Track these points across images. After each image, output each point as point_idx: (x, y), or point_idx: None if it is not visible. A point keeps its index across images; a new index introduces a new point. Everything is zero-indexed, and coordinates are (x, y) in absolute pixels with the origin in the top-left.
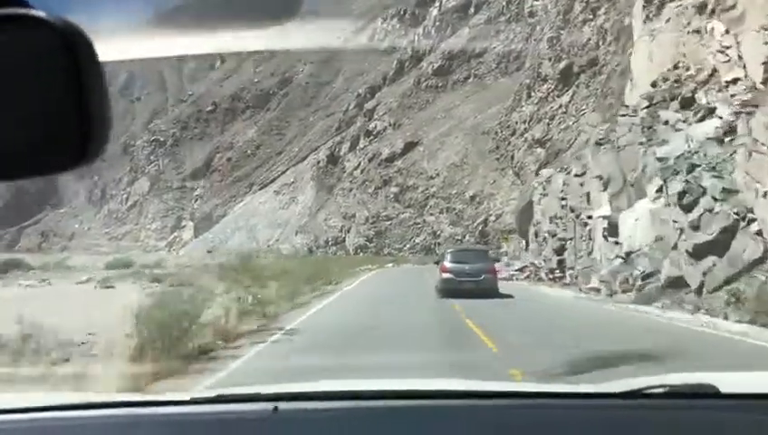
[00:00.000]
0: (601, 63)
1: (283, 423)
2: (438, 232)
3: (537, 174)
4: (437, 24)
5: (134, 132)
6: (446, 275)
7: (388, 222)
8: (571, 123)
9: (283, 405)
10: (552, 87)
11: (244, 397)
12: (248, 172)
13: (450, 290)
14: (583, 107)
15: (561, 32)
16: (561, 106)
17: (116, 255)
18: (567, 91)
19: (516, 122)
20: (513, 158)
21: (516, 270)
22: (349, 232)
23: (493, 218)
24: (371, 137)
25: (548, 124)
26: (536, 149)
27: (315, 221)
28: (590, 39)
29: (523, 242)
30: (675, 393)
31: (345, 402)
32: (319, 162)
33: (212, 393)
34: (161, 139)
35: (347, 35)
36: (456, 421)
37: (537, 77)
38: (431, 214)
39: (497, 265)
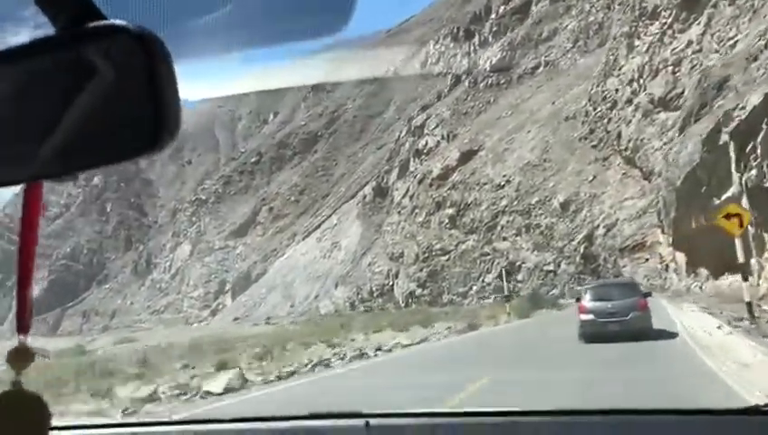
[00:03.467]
0: None
1: None
2: (517, 262)
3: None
4: (495, 29)
5: (183, 197)
6: (584, 317)
7: (445, 257)
8: (711, 63)
9: (373, 421)
10: (670, 20)
11: (337, 414)
12: (291, 222)
13: (592, 334)
14: (731, 32)
15: None
16: (689, 43)
17: (125, 334)
18: (696, 19)
19: (616, 89)
20: (619, 137)
21: None
22: (397, 277)
23: (601, 232)
24: (422, 156)
25: (674, 73)
26: (659, 114)
27: (359, 268)
28: None
29: (682, 258)
30: None
31: (424, 419)
32: (365, 196)
33: (305, 412)
34: (203, 197)
35: (396, 65)
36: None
37: (641, 16)
38: (504, 238)
39: None
